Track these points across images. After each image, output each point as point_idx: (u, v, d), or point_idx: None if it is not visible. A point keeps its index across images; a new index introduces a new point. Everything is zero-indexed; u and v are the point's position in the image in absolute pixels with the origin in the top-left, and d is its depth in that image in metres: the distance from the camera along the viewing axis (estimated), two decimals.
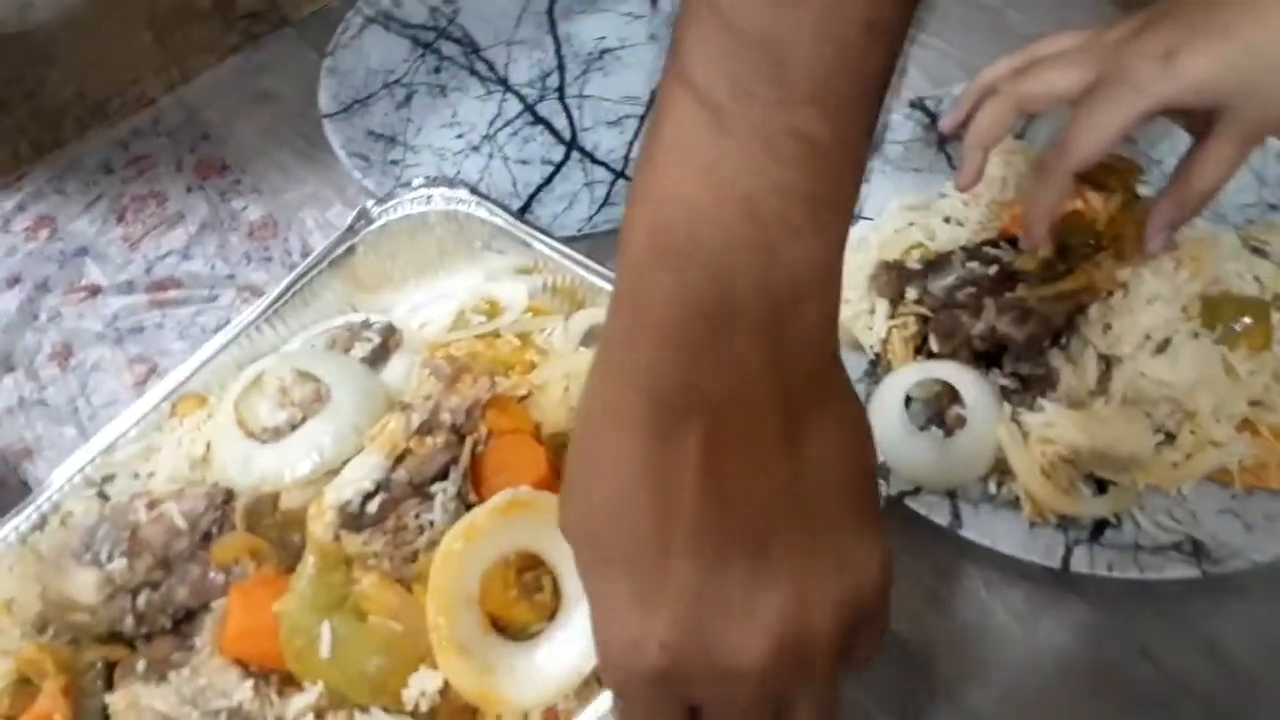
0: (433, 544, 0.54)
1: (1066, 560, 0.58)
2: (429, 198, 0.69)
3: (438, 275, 0.71)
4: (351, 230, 0.68)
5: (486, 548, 0.52)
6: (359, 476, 0.56)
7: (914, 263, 0.68)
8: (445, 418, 0.58)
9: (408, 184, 0.69)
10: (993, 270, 0.65)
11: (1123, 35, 0.57)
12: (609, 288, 0.63)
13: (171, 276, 0.80)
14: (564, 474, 0.34)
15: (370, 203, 0.69)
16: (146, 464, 0.63)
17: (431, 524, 0.55)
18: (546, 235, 0.67)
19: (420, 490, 0.56)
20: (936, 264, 0.67)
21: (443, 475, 0.56)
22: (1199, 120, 0.56)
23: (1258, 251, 0.68)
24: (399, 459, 0.56)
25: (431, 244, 0.70)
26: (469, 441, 0.57)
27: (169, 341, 0.76)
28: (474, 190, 0.68)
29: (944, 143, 0.78)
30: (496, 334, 0.66)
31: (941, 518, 0.60)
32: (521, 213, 0.79)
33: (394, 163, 0.83)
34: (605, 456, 0.32)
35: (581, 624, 0.50)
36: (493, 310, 0.68)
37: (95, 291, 0.80)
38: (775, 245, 0.28)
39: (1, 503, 0.63)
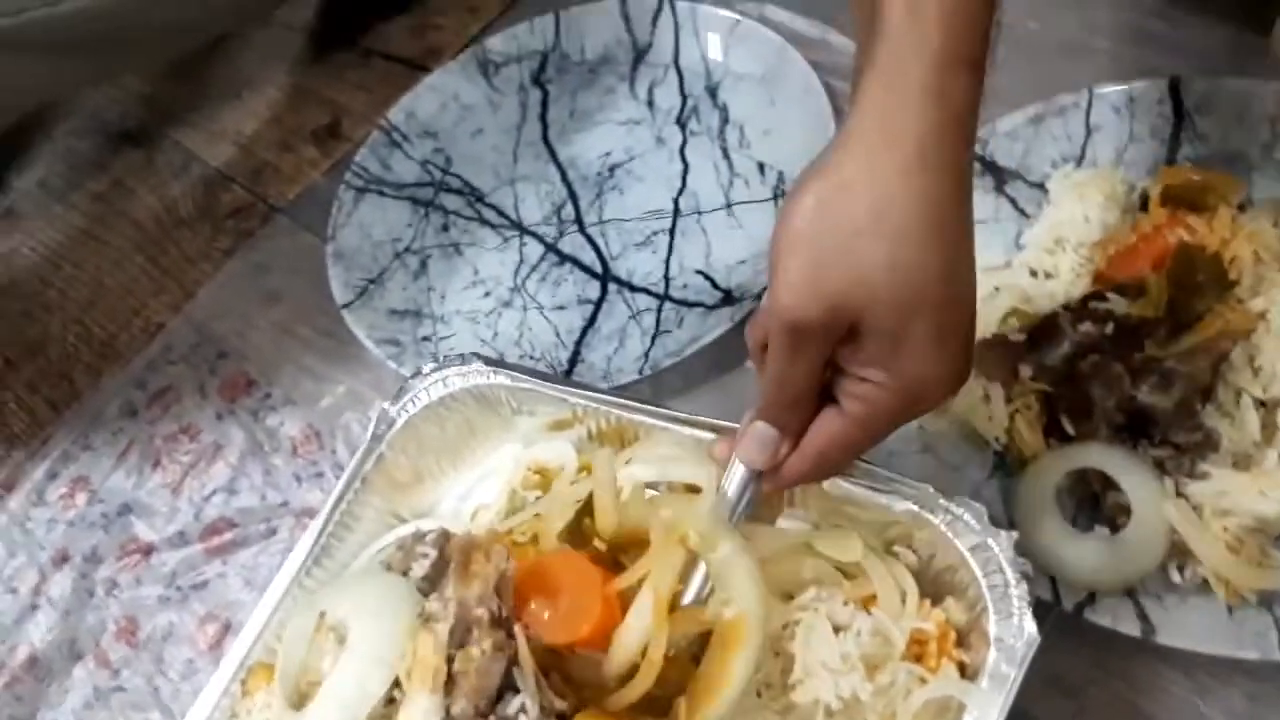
0: None
1: None
2: (445, 380, 0.64)
3: (475, 455, 0.66)
4: (375, 438, 0.63)
5: None
6: None
7: (1015, 334, 0.62)
8: (480, 613, 0.49)
9: (418, 373, 0.64)
10: (1109, 329, 0.58)
11: None
12: (654, 423, 0.59)
13: (223, 517, 0.74)
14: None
15: (385, 404, 0.64)
16: None
17: None
18: (579, 386, 0.62)
19: (494, 715, 0.48)
20: (1043, 331, 0.61)
21: (511, 685, 0.48)
22: None
23: None
24: (449, 687, 0.48)
25: (460, 426, 0.64)
26: (519, 631, 0.49)
27: (236, 591, 0.71)
28: (487, 360, 0.63)
29: (1002, 185, 0.72)
30: None
31: (1130, 627, 0.53)
32: (571, 364, 0.74)
33: (426, 339, 0.78)
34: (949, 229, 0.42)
35: None
36: (544, 478, 0.62)
37: (148, 551, 0.75)
38: None
39: None
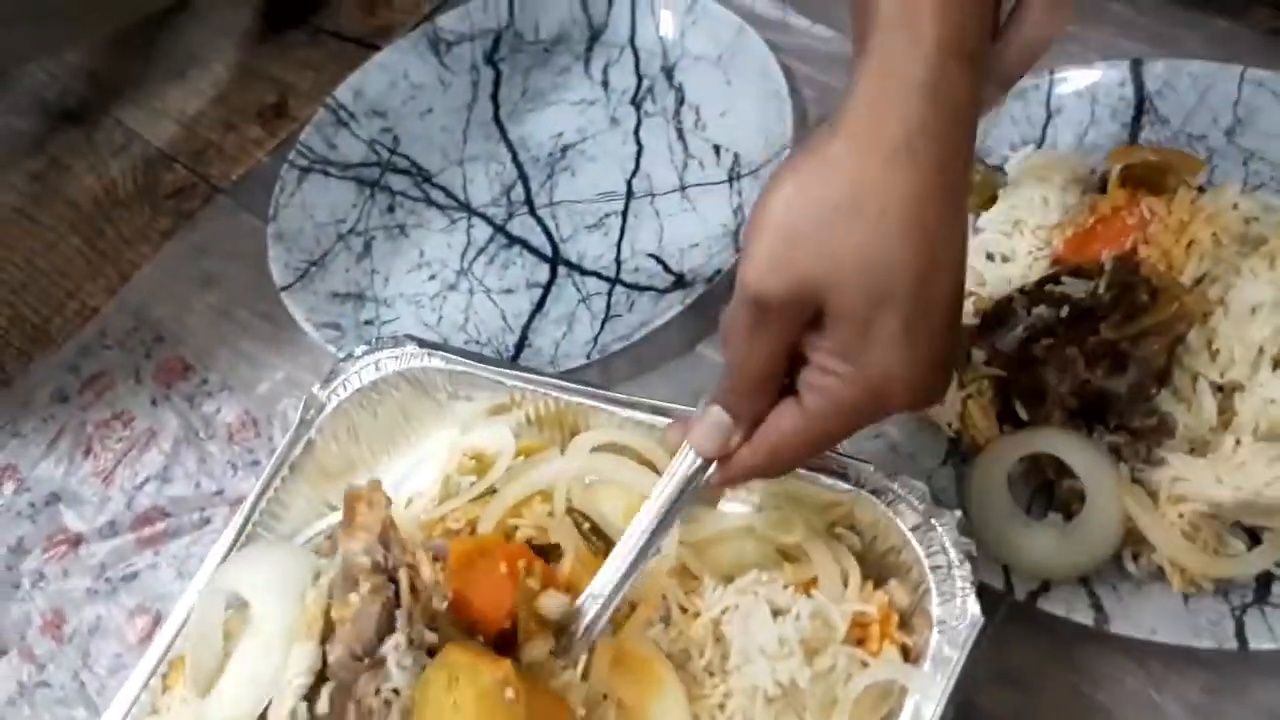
0: (407, 713, 0.45)
1: (1242, 636, 0.50)
2: (377, 363, 0.61)
3: (409, 441, 0.63)
4: (304, 424, 0.61)
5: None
6: (293, 674, 0.46)
7: (969, 318, 0.60)
8: (364, 561, 0.48)
9: (349, 356, 0.62)
10: (1064, 312, 0.57)
11: None
12: (593, 405, 0.57)
13: (155, 506, 0.72)
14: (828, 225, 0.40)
15: (315, 387, 0.61)
16: None
17: (396, 692, 0.45)
18: (515, 368, 0.60)
19: (371, 658, 0.46)
20: (996, 315, 0.59)
21: (391, 627, 0.47)
22: None
23: None
24: (329, 635, 0.47)
25: (393, 412, 0.62)
26: (404, 575, 0.48)
27: (167, 583, 0.68)
28: (422, 343, 0.61)
29: None
30: (493, 490, 0.58)
31: (1084, 615, 0.52)
32: (518, 349, 0.72)
33: (368, 323, 0.75)
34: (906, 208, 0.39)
35: None
36: (480, 464, 0.60)
37: (77, 542, 0.72)
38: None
39: None
